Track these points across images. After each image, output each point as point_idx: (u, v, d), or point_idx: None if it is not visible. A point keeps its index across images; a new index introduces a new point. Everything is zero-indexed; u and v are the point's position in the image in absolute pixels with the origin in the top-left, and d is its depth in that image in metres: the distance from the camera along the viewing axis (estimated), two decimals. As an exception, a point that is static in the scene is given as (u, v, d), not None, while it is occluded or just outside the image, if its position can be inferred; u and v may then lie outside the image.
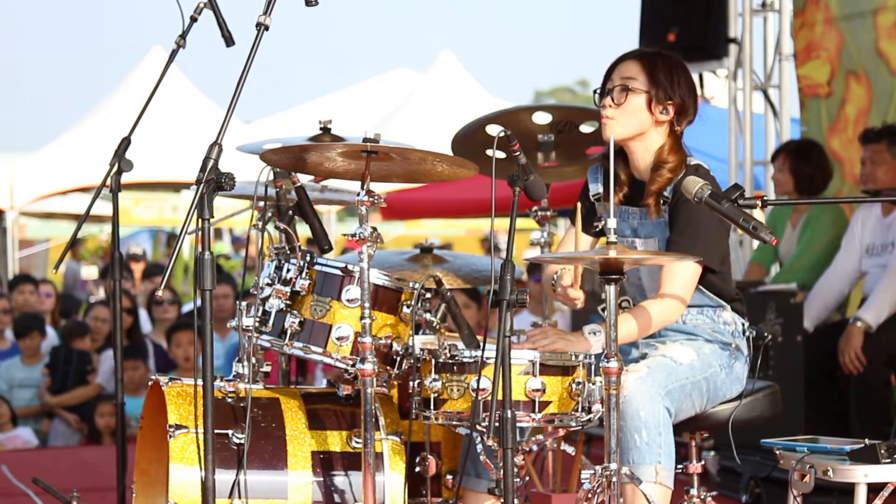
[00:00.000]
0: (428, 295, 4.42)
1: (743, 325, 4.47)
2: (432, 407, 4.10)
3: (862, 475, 3.95)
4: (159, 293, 4.21)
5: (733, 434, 4.40)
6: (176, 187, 17.35)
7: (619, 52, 4.45)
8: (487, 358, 3.99)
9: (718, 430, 4.53)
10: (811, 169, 7.32)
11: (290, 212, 4.52)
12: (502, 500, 3.86)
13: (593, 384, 4.11)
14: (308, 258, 4.28)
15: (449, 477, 4.60)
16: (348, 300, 4.23)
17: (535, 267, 9.24)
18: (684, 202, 4.22)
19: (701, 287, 4.35)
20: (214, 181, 3.70)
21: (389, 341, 4.29)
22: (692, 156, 4.41)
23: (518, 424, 3.91)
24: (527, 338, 4.23)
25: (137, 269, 14.54)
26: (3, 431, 8.79)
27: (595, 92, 4.44)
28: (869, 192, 6.81)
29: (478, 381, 3.95)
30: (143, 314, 10.63)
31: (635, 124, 4.36)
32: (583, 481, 3.96)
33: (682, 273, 4.25)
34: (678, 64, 4.41)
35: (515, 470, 3.87)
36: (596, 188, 4.54)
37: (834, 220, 7.26)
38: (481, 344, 4.01)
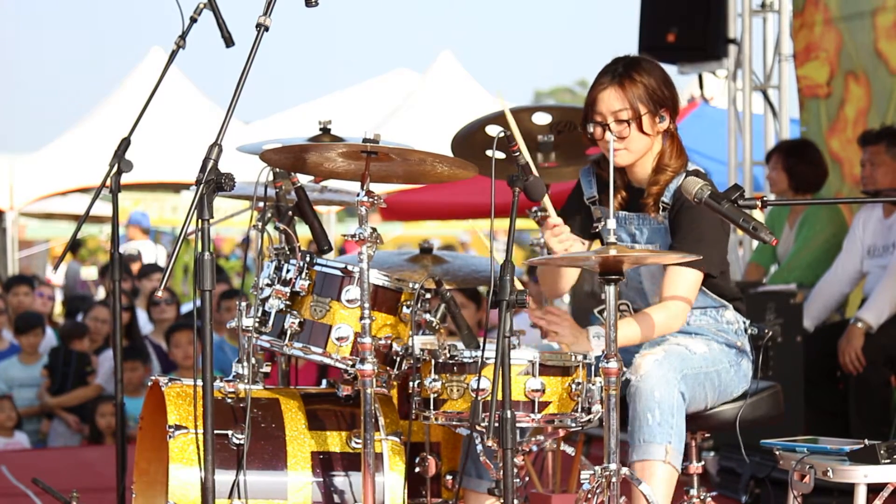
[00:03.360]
0: (428, 295, 4.42)
1: (744, 323, 4.48)
2: (432, 407, 4.11)
3: (862, 475, 3.95)
4: (158, 294, 4.21)
5: (733, 434, 4.40)
6: (176, 188, 17.34)
7: (619, 52, 4.44)
8: (487, 358, 4.00)
9: (723, 430, 4.53)
10: (804, 166, 7.33)
11: (290, 212, 4.52)
12: (502, 501, 3.86)
13: (593, 385, 4.11)
14: (308, 259, 4.28)
15: (449, 477, 4.60)
16: (348, 300, 4.23)
17: (535, 269, 9.22)
18: (686, 208, 4.22)
19: (703, 288, 4.36)
20: (214, 182, 3.70)
21: (389, 342, 4.29)
22: (692, 161, 4.42)
23: (518, 425, 3.91)
24: (545, 311, 4.23)
25: (135, 269, 14.51)
26: (5, 436, 8.75)
27: (582, 126, 4.39)
28: (868, 192, 6.81)
29: (478, 381, 3.95)
30: (142, 315, 10.57)
31: (642, 147, 4.35)
32: (582, 482, 3.96)
33: (685, 279, 4.26)
34: (649, 67, 4.36)
35: (515, 470, 3.87)
36: (590, 192, 4.53)
37: (830, 218, 7.26)
38: (481, 344, 4.01)
